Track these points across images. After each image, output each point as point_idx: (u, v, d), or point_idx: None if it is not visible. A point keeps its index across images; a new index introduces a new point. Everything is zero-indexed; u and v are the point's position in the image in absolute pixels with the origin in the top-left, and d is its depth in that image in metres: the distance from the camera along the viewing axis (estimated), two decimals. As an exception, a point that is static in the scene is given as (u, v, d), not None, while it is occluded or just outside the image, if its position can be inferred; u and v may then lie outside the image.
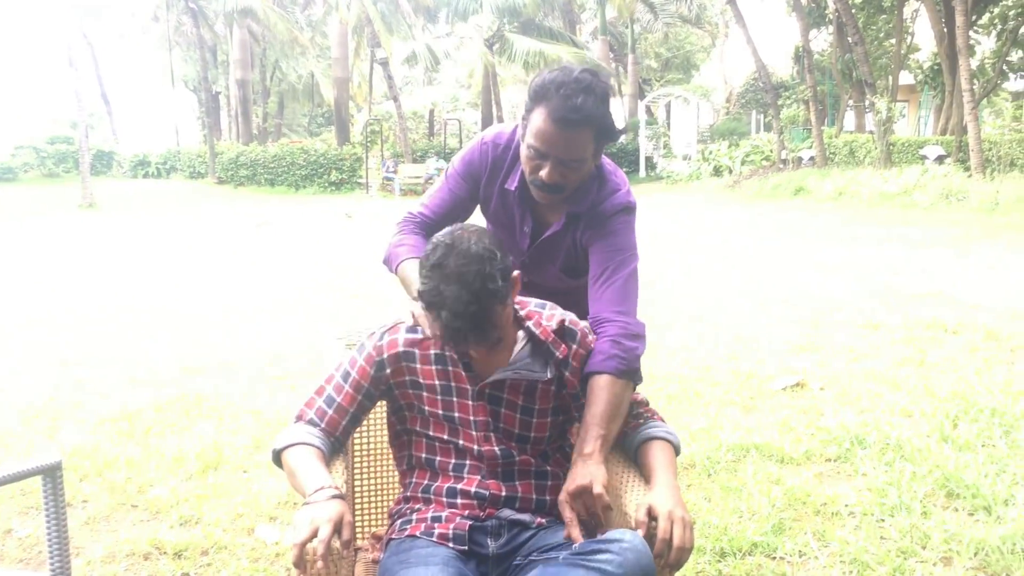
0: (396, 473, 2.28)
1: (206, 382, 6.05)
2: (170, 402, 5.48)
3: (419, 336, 1.94)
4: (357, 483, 2.38)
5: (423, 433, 1.97)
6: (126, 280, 11.13)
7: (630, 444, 2.01)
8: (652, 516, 1.70)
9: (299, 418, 1.99)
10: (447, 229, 1.86)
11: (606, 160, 2.34)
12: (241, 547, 3.48)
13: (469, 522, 1.90)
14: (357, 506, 2.39)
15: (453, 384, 1.94)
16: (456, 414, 1.94)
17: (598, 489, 1.83)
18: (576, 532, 1.81)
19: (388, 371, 1.95)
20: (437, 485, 1.97)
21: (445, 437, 1.95)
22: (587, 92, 2.05)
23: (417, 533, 1.92)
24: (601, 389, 2.05)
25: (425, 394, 1.95)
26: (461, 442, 1.94)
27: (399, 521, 2.00)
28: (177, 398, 5.57)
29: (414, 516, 1.97)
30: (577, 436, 2.02)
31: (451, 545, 1.88)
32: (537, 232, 2.39)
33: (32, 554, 3.49)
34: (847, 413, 4.86)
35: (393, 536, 2.00)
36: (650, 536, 1.70)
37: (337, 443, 2.01)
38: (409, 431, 2.00)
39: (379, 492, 2.40)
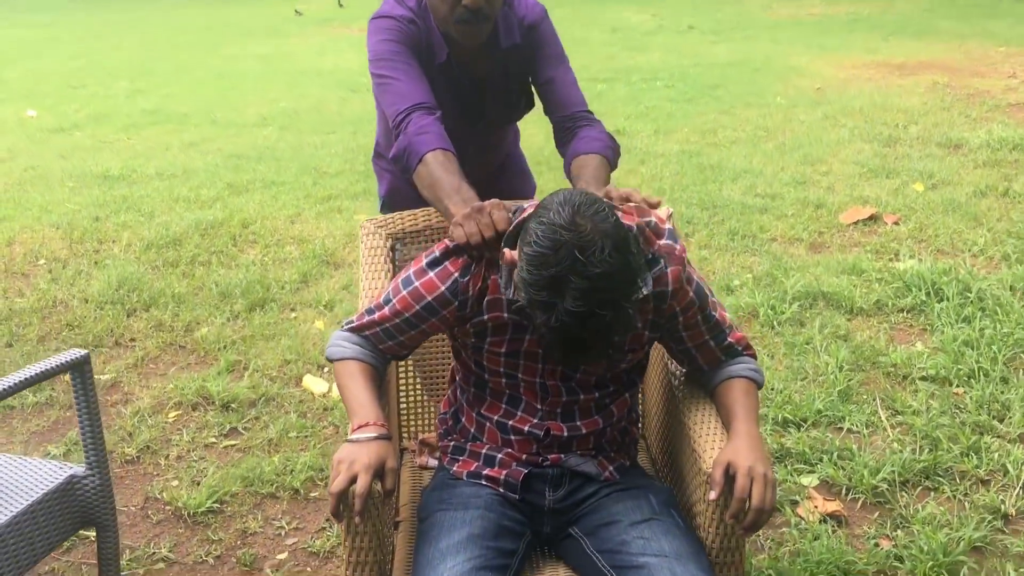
0: (448, 368, 2.11)
1: (250, 200, 5.91)
2: (215, 225, 5.36)
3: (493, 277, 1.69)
4: (403, 381, 2.23)
5: (480, 352, 1.76)
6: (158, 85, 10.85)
7: (708, 381, 1.79)
8: (730, 472, 1.52)
9: (355, 330, 1.79)
10: (559, 201, 1.48)
11: None
12: (289, 398, 3.42)
13: (525, 470, 1.73)
14: (404, 404, 2.24)
15: (526, 339, 1.71)
16: (523, 351, 1.72)
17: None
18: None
19: (461, 312, 1.72)
20: (489, 412, 1.78)
21: (501, 370, 1.74)
22: None
23: (464, 475, 1.77)
24: (600, 167, 2.06)
25: (490, 337, 1.72)
26: (520, 375, 1.73)
27: (451, 446, 1.84)
28: (222, 221, 5.43)
29: (467, 448, 1.81)
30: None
31: (501, 490, 1.72)
32: (480, 92, 2.28)
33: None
34: (923, 253, 4.57)
35: (443, 464, 1.85)
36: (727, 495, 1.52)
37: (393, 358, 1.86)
38: (463, 346, 1.80)
39: (429, 389, 2.25)
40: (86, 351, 2.04)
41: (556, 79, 2.21)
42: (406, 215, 2.11)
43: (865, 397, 3.26)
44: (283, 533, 2.69)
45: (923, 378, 3.37)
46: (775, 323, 3.84)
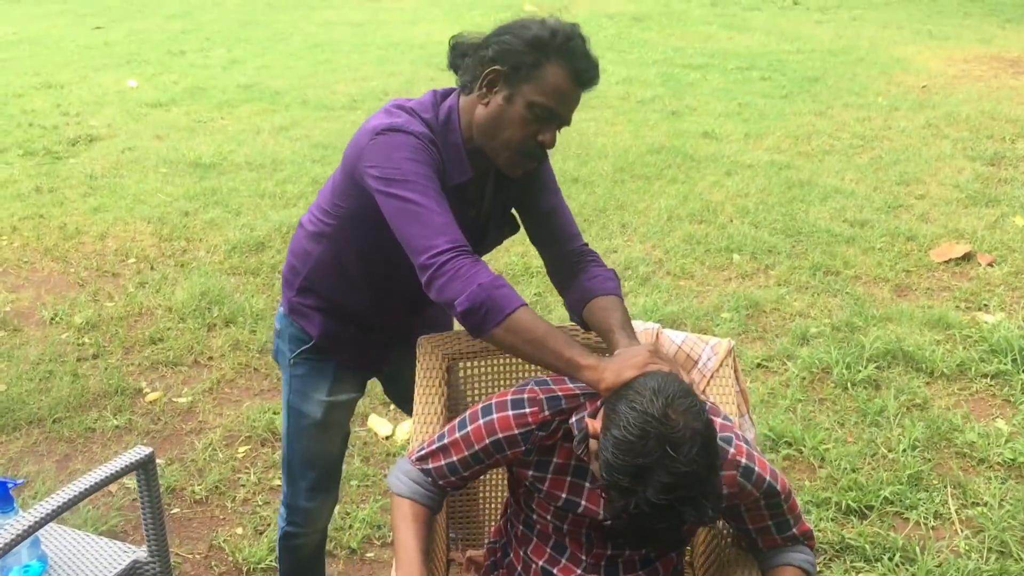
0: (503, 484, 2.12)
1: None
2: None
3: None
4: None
5: (531, 495, 1.77)
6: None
7: (762, 559, 1.76)
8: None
9: (422, 460, 1.82)
10: (652, 388, 1.47)
11: None
12: (354, 438, 3.48)
13: None
14: (456, 508, 2.26)
15: (583, 502, 1.72)
16: (579, 512, 1.73)
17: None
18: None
19: (526, 457, 1.73)
20: (534, 555, 1.80)
21: (548, 518, 1.75)
22: (586, 42, 1.85)
23: None
24: (623, 307, 1.93)
25: (547, 489, 1.73)
26: (567, 525, 1.74)
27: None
28: (305, 223, 5.51)
29: None
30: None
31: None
32: (485, 218, 2.06)
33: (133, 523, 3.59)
34: (1015, 306, 4.38)
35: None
36: None
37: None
38: (518, 483, 1.82)
39: (485, 499, 2.27)
40: (151, 450, 2.11)
41: (558, 210, 2.05)
42: (465, 334, 2.11)
43: (936, 483, 3.16)
44: (338, 596, 2.77)
45: (1000, 463, 3.25)
46: (848, 384, 3.75)
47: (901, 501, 3.06)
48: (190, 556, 2.93)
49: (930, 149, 6.86)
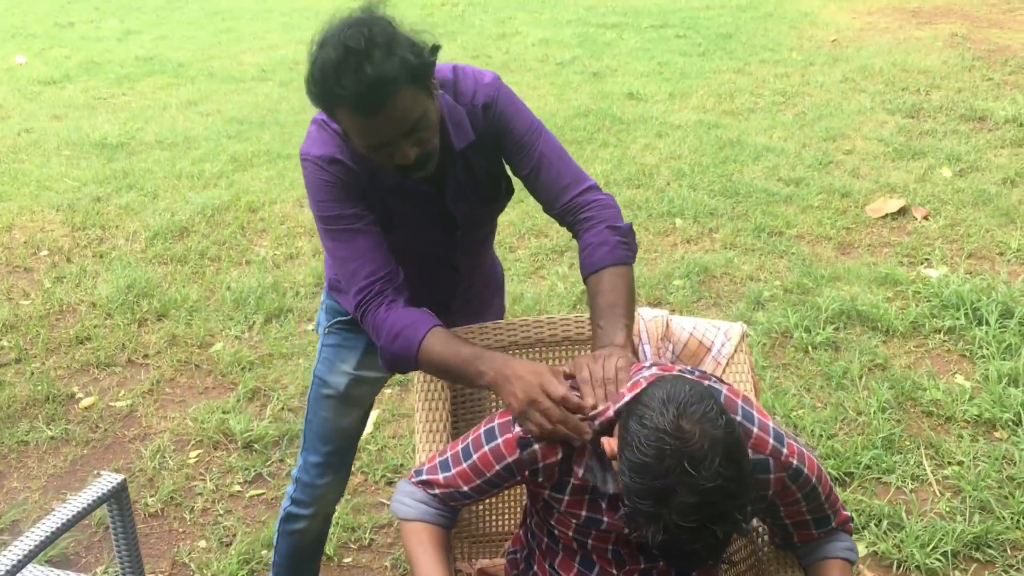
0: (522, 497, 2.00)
1: (256, 177, 5.71)
2: (221, 210, 5.18)
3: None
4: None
5: (550, 511, 1.65)
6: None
7: (802, 556, 1.68)
8: None
9: (424, 485, 1.67)
10: (661, 398, 1.35)
11: (436, 70, 1.80)
12: (313, 436, 3.31)
13: None
14: (462, 513, 2.13)
15: (606, 519, 1.60)
16: (601, 530, 1.62)
17: (624, 372, 1.58)
18: (589, 397, 1.56)
19: (534, 479, 1.61)
20: (563, 570, 1.68)
21: (570, 534, 1.64)
22: (366, 57, 1.57)
23: None
24: (617, 278, 1.82)
25: (566, 508, 1.61)
26: (591, 541, 1.63)
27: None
28: (228, 204, 5.25)
29: None
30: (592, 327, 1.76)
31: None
32: (442, 199, 1.90)
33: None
34: (956, 258, 4.44)
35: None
36: None
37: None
38: (536, 497, 1.69)
39: (495, 505, 2.14)
40: (122, 477, 1.92)
41: (539, 169, 1.88)
42: (470, 335, 1.97)
43: (909, 444, 3.17)
44: (318, 607, 2.61)
45: (967, 420, 3.28)
46: (809, 347, 3.73)
47: (878, 465, 3.06)
48: (152, 575, 2.73)
49: (850, 103, 6.93)
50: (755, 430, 1.53)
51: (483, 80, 1.87)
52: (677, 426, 1.32)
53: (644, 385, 1.46)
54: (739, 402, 1.55)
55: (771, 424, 1.57)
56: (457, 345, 1.73)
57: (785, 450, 1.54)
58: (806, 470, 1.55)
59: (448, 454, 1.68)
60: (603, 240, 1.85)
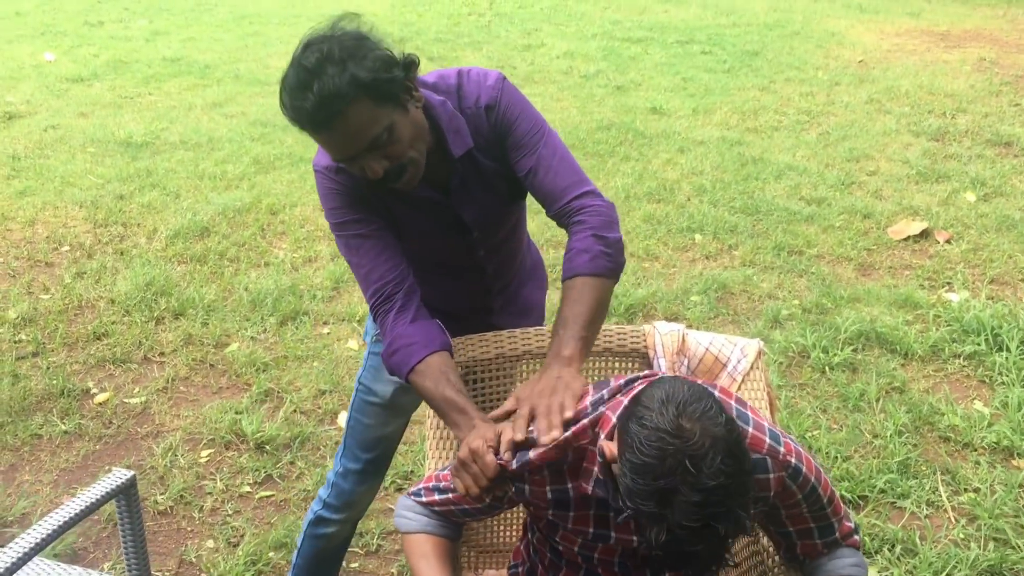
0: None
1: (277, 179, 5.73)
2: (242, 211, 5.19)
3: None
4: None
5: (555, 529, 1.64)
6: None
7: (808, 574, 1.66)
8: None
9: (426, 504, 1.67)
10: (660, 398, 1.33)
11: (441, 77, 1.83)
12: (324, 440, 3.31)
13: None
14: (477, 525, 2.12)
15: (614, 534, 1.58)
16: (598, 550, 1.60)
17: (569, 412, 1.54)
18: (520, 431, 1.54)
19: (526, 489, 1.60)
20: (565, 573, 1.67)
21: (575, 549, 1.62)
22: (317, 75, 1.57)
23: None
24: (588, 288, 1.77)
25: (571, 525, 1.59)
26: (596, 555, 1.61)
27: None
28: (249, 206, 5.27)
29: None
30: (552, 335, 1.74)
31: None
32: (449, 200, 1.88)
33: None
34: (978, 283, 4.40)
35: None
36: None
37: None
38: (537, 516, 1.68)
39: (506, 519, 2.13)
40: (132, 473, 1.92)
41: (537, 170, 1.84)
42: (475, 338, 1.96)
43: (925, 470, 3.13)
44: (323, 612, 2.60)
45: (984, 447, 3.24)
46: (826, 368, 3.70)
47: (893, 490, 3.02)
48: (159, 573, 2.73)
49: (875, 124, 6.89)
50: (750, 430, 1.51)
51: (487, 82, 1.85)
52: (677, 425, 1.31)
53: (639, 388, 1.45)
54: (732, 403, 1.54)
55: (766, 424, 1.54)
56: (442, 386, 1.72)
57: (782, 449, 1.52)
58: (804, 468, 1.53)
59: (441, 483, 1.68)
60: (586, 247, 1.81)
